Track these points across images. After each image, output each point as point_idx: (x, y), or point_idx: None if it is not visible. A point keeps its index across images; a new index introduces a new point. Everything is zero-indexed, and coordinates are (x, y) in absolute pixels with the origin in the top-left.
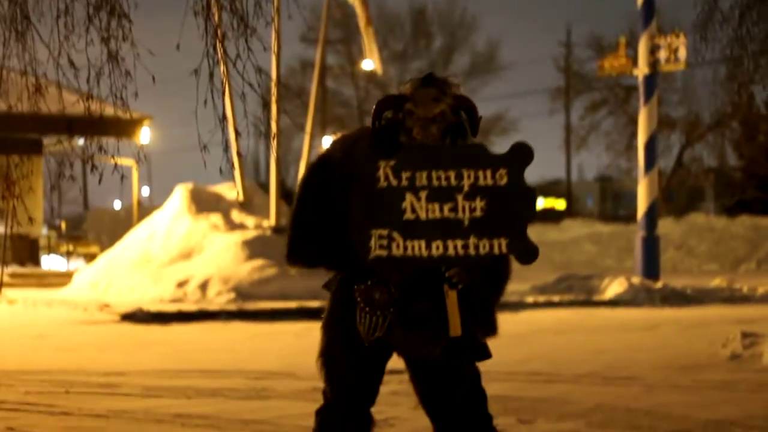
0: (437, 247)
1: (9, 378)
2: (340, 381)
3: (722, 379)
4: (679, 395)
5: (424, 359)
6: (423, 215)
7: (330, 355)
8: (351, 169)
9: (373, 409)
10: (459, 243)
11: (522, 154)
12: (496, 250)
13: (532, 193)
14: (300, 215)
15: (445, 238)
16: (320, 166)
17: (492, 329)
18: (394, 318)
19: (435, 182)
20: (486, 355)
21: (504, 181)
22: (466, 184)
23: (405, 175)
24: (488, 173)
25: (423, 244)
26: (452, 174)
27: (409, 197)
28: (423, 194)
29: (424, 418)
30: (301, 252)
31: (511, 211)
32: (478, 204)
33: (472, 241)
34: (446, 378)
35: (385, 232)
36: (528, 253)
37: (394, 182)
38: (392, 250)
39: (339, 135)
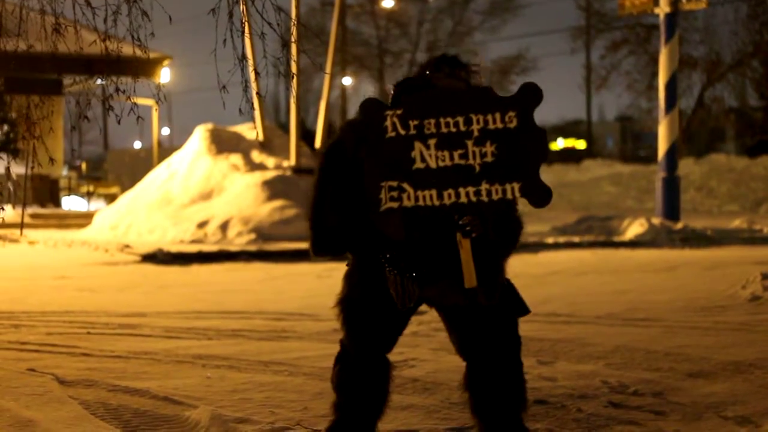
0: (449, 195)
1: (30, 319)
2: (359, 330)
3: (742, 320)
4: (698, 337)
5: (456, 306)
6: (433, 163)
7: (349, 304)
8: (365, 153)
9: (394, 350)
10: (471, 189)
11: (531, 95)
12: (509, 195)
13: (542, 134)
14: (319, 206)
15: (456, 185)
16: (333, 151)
17: (492, 295)
18: (423, 273)
19: (444, 129)
20: (524, 310)
21: (514, 123)
22: (476, 128)
23: (413, 123)
24: (497, 116)
25: (434, 193)
26: (461, 119)
27: (417, 146)
28: (432, 142)
29: (444, 359)
30: (326, 244)
31: (522, 153)
32: (489, 149)
33: (484, 186)
34: (481, 322)
35: (395, 184)
36: (541, 197)
37: (402, 132)
38: (403, 201)
39: (347, 121)
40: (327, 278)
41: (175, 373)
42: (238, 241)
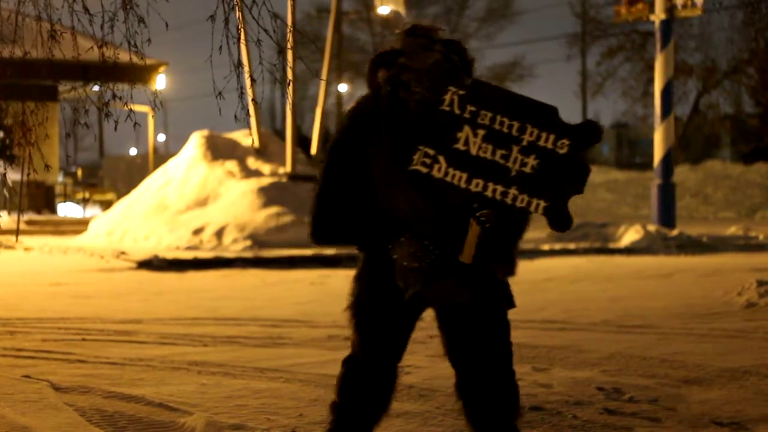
0: (477, 185)
1: (26, 325)
2: (369, 333)
3: (737, 327)
4: (694, 343)
5: (456, 307)
6: (474, 151)
7: (360, 307)
8: (363, 145)
9: None
10: (499, 188)
11: (591, 134)
12: (532, 208)
13: (586, 171)
14: (324, 195)
15: (488, 179)
16: (341, 142)
17: (511, 268)
18: (430, 269)
19: (497, 126)
20: (511, 303)
21: (564, 150)
22: (526, 139)
23: (470, 108)
24: (551, 138)
25: (465, 176)
26: (516, 125)
27: (466, 129)
28: (480, 132)
29: (440, 366)
30: (328, 232)
31: (560, 179)
32: (531, 161)
33: (512, 191)
34: (476, 326)
35: (431, 152)
36: (563, 222)
37: (457, 111)
38: (433, 170)
39: (351, 112)
40: (322, 285)
41: (170, 379)
42: (234, 247)
